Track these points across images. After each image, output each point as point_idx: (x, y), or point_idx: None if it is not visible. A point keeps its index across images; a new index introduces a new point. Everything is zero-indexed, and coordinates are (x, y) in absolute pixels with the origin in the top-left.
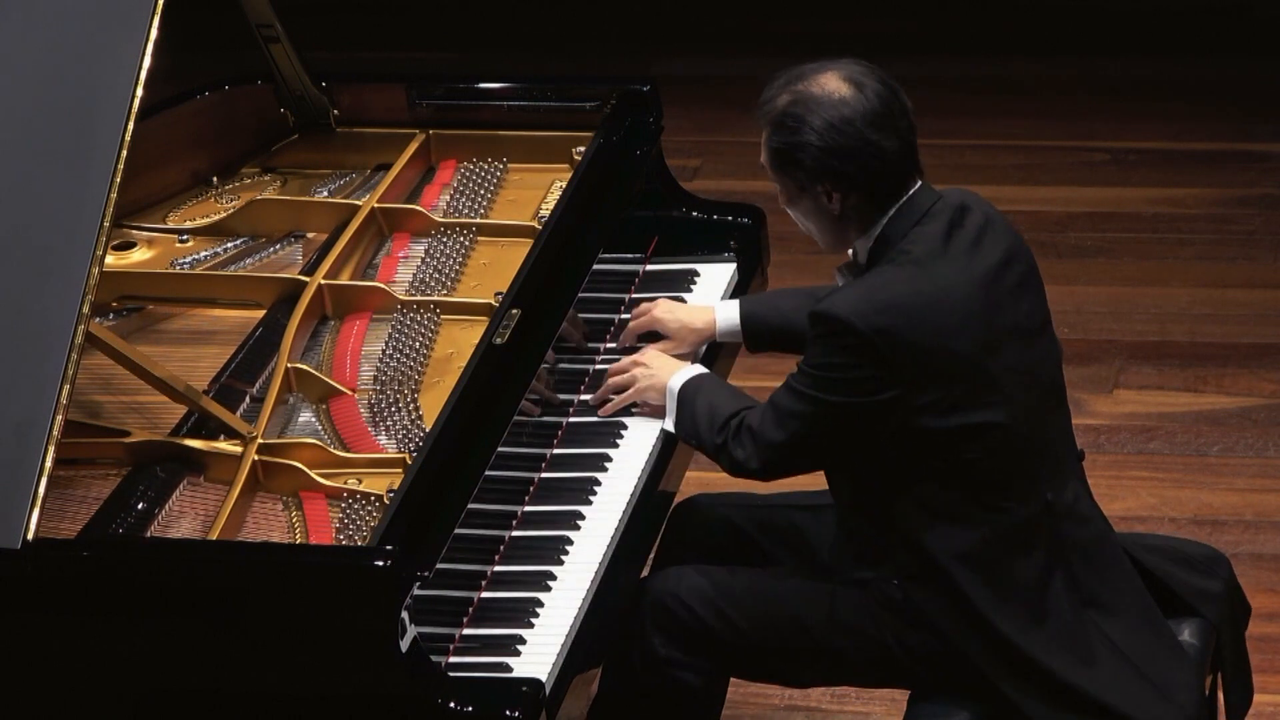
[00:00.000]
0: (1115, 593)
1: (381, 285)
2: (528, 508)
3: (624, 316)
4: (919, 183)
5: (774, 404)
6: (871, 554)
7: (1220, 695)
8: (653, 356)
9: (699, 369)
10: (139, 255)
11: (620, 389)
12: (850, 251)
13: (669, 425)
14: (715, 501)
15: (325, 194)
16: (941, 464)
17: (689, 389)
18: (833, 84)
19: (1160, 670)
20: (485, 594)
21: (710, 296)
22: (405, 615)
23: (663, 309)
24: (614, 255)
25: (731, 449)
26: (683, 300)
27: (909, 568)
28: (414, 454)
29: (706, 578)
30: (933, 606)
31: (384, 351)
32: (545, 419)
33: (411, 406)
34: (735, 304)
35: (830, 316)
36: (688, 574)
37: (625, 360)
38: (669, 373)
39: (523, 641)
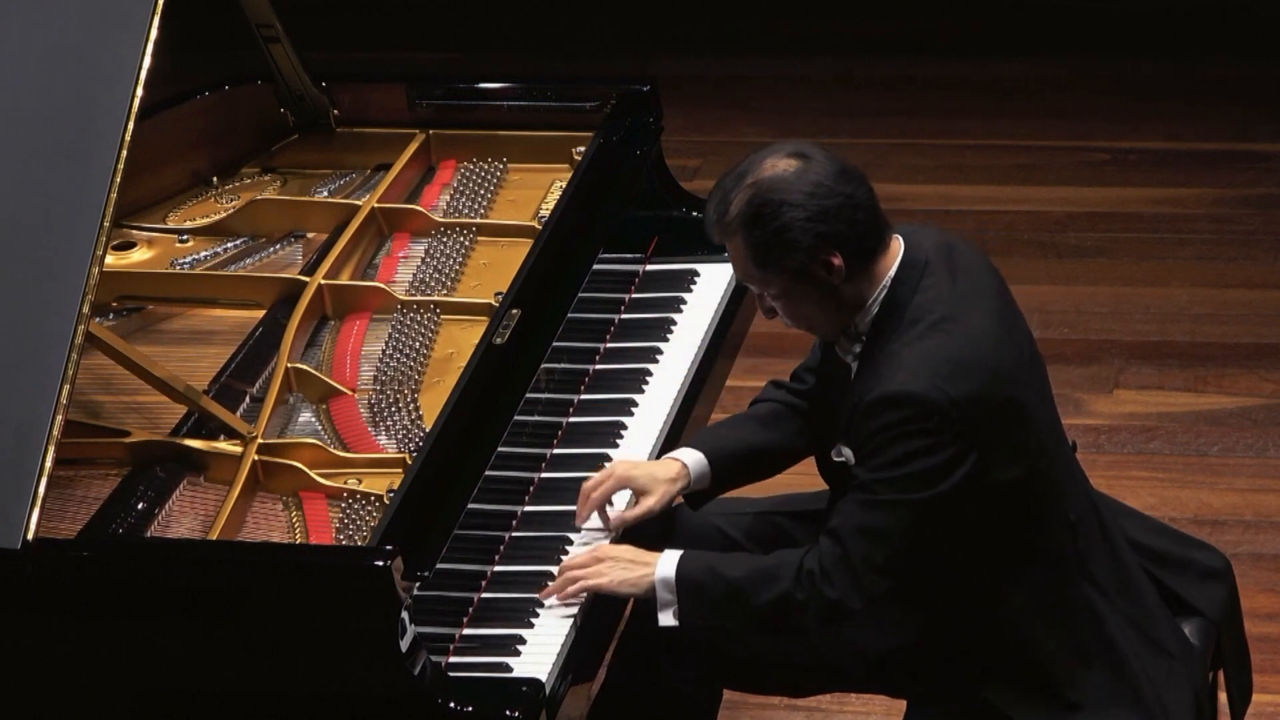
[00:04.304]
0: (1130, 595)
1: (381, 285)
2: (528, 508)
3: (624, 317)
4: (900, 239)
5: (855, 527)
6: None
7: (1221, 693)
8: (610, 549)
9: (674, 551)
10: (139, 255)
11: (587, 583)
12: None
13: (668, 620)
14: (705, 509)
15: (325, 194)
16: (990, 516)
17: (688, 573)
18: (783, 164)
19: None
20: (485, 594)
21: (710, 296)
22: (405, 615)
23: (624, 467)
24: (614, 255)
25: (824, 593)
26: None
27: (928, 608)
28: (414, 454)
29: None
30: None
31: (384, 351)
32: (545, 419)
33: (411, 406)
34: (693, 450)
35: (901, 396)
36: None
37: (583, 555)
38: (645, 563)
39: (523, 641)
